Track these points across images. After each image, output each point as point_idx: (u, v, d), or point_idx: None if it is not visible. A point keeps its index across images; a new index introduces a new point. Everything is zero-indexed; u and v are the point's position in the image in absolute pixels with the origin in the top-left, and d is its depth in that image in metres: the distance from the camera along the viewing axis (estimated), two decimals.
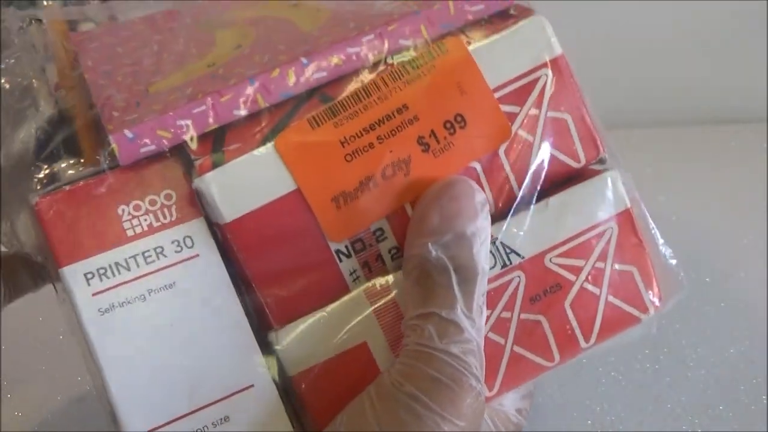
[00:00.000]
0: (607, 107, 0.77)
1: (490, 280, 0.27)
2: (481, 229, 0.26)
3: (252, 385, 0.25)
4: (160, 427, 0.24)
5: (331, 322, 0.26)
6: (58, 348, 0.45)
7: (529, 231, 0.27)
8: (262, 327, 0.27)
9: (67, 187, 0.25)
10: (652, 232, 0.30)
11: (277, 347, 0.26)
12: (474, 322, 0.26)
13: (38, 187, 0.25)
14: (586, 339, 0.28)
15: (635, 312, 0.29)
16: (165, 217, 0.25)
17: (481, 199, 0.26)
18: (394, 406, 0.24)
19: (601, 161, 0.29)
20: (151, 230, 0.25)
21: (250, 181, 0.25)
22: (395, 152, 0.26)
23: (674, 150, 0.65)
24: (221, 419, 0.25)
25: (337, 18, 0.28)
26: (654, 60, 0.69)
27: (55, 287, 0.26)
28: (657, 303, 0.29)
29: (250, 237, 0.25)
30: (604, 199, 0.28)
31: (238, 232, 0.25)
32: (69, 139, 0.26)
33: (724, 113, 0.70)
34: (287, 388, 0.26)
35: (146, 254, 0.25)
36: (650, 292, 0.29)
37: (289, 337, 0.26)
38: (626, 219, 0.29)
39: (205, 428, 0.25)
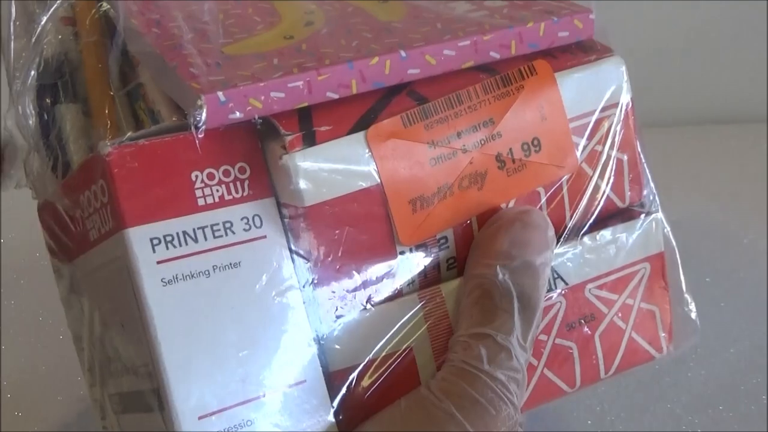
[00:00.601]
0: None
1: None
2: (548, 262, 0.26)
3: (304, 380, 0.24)
4: (210, 414, 0.23)
5: (382, 320, 0.25)
6: (58, 348, 0.45)
7: (577, 260, 0.28)
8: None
9: (143, 141, 0.23)
10: (680, 278, 0.31)
11: (325, 341, 0.25)
12: (526, 353, 0.26)
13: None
14: (607, 370, 0.29)
15: (651, 350, 0.30)
16: (237, 191, 0.24)
17: (552, 234, 0.27)
18: (427, 420, 0.24)
19: (642, 204, 0.31)
20: (222, 202, 0.23)
21: (336, 167, 0.24)
22: (475, 164, 0.26)
23: (675, 150, 0.65)
24: (273, 412, 0.24)
25: (418, 15, 0.28)
26: (654, 60, 0.69)
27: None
28: (671, 345, 0.31)
29: (325, 225, 0.24)
30: (647, 239, 0.30)
31: (315, 218, 0.24)
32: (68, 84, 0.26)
33: (724, 113, 0.70)
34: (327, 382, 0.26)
35: (215, 227, 0.23)
36: (666, 333, 0.30)
37: (337, 332, 0.25)
38: (658, 261, 0.30)
39: (255, 420, 0.23)
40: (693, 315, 0.31)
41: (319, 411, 0.24)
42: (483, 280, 0.26)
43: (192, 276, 0.23)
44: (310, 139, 0.24)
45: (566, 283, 0.28)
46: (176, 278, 0.23)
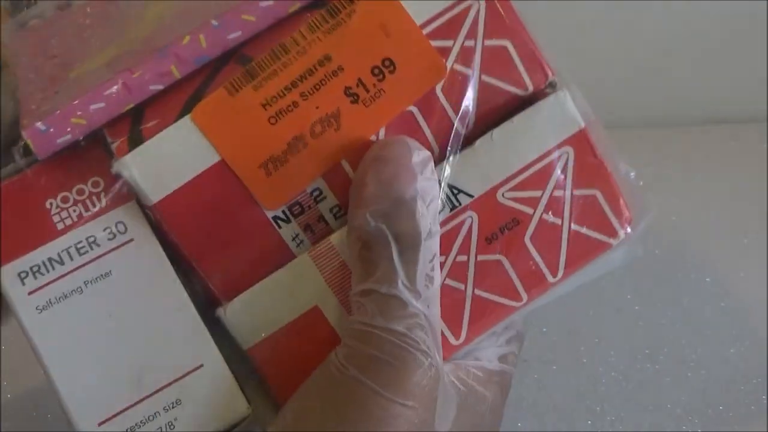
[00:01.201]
0: (607, 107, 0.77)
1: (441, 225, 0.25)
2: (425, 189, 0.24)
3: (201, 365, 0.25)
4: (109, 418, 0.24)
5: (279, 289, 0.25)
6: None
7: (477, 168, 0.26)
8: (212, 305, 0.26)
9: None
10: (614, 153, 0.29)
11: (225, 321, 0.25)
12: (419, 294, 0.24)
13: None
14: (553, 273, 0.27)
15: (603, 237, 0.27)
16: (94, 205, 0.25)
17: (422, 157, 0.24)
18: (339, 393, 0.23)
19: (552, 85, 0.27)
20: (82, 220, 0.24)
21: (172, 157, 0.24)
22: (322, 108, 0.25)
23: (674, 150, 0.65)
24: (173, 403, 0.24)
25: None
26: (654, 60, 0.69)
27: None
28: (628, 226, 0.28)
29: (181, 215, 0.24)
30: (554, 122, 0.26)
31: (167, 212, 0.24)
32: None
33: (724, 113, 0.70)
34: (247, 363, 0.26)
35: (79, 245, 0.24)
36: (618, 214, 0.27)
37: (236, 309, 0.25)
38: (582, 140, 0.27)
39: (157, 414, 0.24)
40: (640, 185, 0.29)
41: (224, 391, 0.25)
42: (359, 232, 0.24)
43: (65, 296, 0.24)
44: (137, 139, 0.24)
45: (471, 196, 0.26)
46: (50, 303, 0.24)
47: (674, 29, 0.68)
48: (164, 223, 0.24)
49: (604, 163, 0.27)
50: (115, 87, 0.24)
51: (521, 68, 0.26)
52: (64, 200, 0.24)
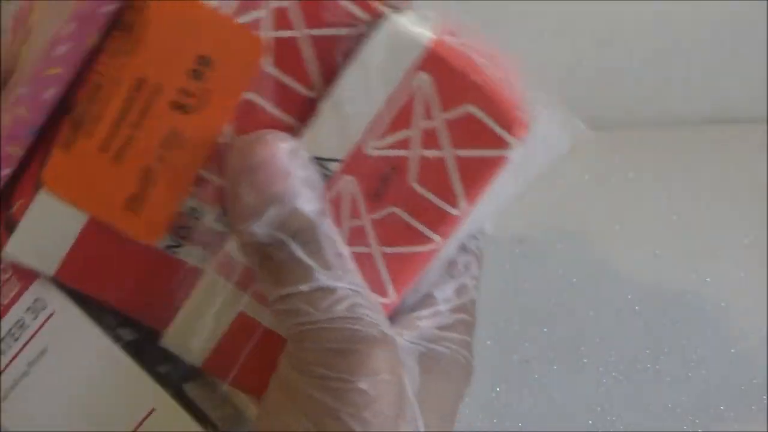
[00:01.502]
0: (607, 107, 0.77)
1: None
2: (301, 178, 0.23)
3: (153, 409, 0.25)
4: None
5: (202, 305, 0.25)
6: None
7: (332, 130, 0.24)
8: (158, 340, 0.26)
9: None
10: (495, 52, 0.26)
11: (171, 348, 0.25)
12: (337, 272, 0.23)
13: None
14: (454, 205, 0.24)
15: (495, 152, 0.24)
16: (11, 291, 0.25)
17: (288, 148, 0.23)
18: (313, 399, 0.23)
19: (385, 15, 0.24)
20: (4, 310, 0.25)
21: (48, 229, 0.24)
22: (156, 131, 0.23)
23: (674, 150, 0.65)
24: None
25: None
26: (654, 60, 0.69)
27: None
28: (522, 127, 0.25)
29: (85, 275, 0.24)
30: (393, 53, 0.23)
31: (70, 279, 0.24)
32: None
33: (724, 113, 0.70)
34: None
35: (12, 332, 0.25)
36: (503, 121, 0.24)
37: (172, 336, 0.25)
38: (433, 59, 0.24)
39: None
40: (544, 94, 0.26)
41: (181, 425, 0.25)
42: (252, 246, 0.23)
43: (16, 383, 0.24)
44: (11, 224, 0.24)
45: (339, 161, 0.24)
46: (8, 391, 0.24)
47: (674, 29, 0.68)
48: (73, 286, 0.24)
49: (468, 74, 0.24)
50: None
51: (346, 4, 0.23)
52: None
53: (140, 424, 0.25)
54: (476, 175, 0.25)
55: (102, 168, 0.23)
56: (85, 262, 0.24)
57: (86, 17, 0.22)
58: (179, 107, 0.23)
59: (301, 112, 0.24)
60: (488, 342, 0.46)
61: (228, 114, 0.23)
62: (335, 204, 0.24)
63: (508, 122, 0.24)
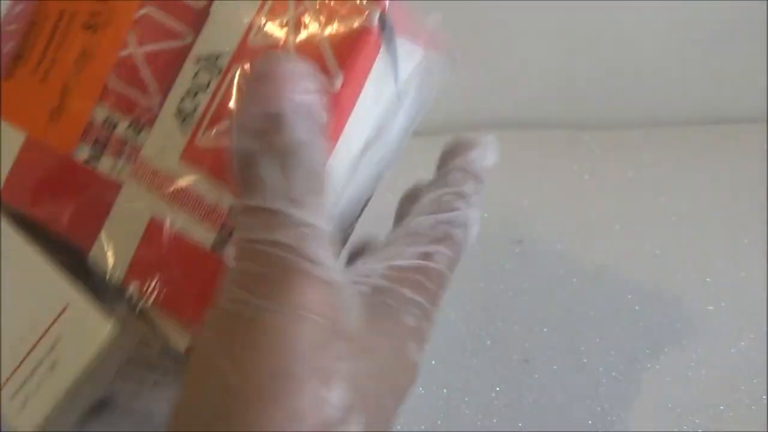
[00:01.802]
0: (608, 107, 0.77)
1: (217, 90, 0.26)
2: (301, 102, 0.23)
3: (66, 305, 0.26)
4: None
5: (122, 216, 0.27)
6: None
7: (220, 26, 0.26)
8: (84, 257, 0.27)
9: None
10: None
11: (96, 267, 0.26)
12: (304, 206, 0.23)
13: None
14: (332, 75, 0.26)
15: (358, 22, 0.26)
16: None
17: (295, 70, 0.24)
18: (229, 322, 0.22)
19: None
20: None
21: None
22: (72, 50, 0.27)
23: (674, 150, 0.65)
24: (50, 349, 0.26)
25: None
26: (654, 60, 0.69)
27: None
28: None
29: (22, 195, 0.27)
30: None
31: (11, 197, 0.27)
32: None
33: (724, 113, 0.70)
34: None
35: None
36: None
37: (98, 251, 0.27)
38: None
39: (40, 363, 0.26)
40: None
41: (91, 319, 0.26)
42: (237, 153, 0.23)
43: None
44: None
45: (228, 52, 0.26)
46: None
47: (674, 29, 0.68)
48: (10, 206, 0.27)
49: None
50: None
51: None
52: None
53: (54, 321, 0.26)
54: (348, 48, 0.26)
55: (33, 88, 0.27)
56: (22, 182, 0.27)
57: None
58: (90, 27, 0.27)
59: (193, 22, 0.27)
60: (488, 342, 0.46)
61: (128, 26, 0.27)
62: (227, 93, 0.26)
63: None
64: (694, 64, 0.69)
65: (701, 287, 0.50)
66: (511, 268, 0.51)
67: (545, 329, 0.47)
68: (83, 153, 0.27)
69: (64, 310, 0.26)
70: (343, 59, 0.26)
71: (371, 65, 0.26)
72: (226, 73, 0.26)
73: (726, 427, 0.40)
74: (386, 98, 0.28)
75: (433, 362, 0.44)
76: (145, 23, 0.27)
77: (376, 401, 0.24)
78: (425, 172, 0.31)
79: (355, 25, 0.26)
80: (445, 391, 0.43)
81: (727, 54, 0.69)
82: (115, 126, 0.27)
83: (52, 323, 0.26)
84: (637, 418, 0.41)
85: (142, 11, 0.27)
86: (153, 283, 0.26)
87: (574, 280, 0.50)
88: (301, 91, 0.24)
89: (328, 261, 0.23)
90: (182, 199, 0.26)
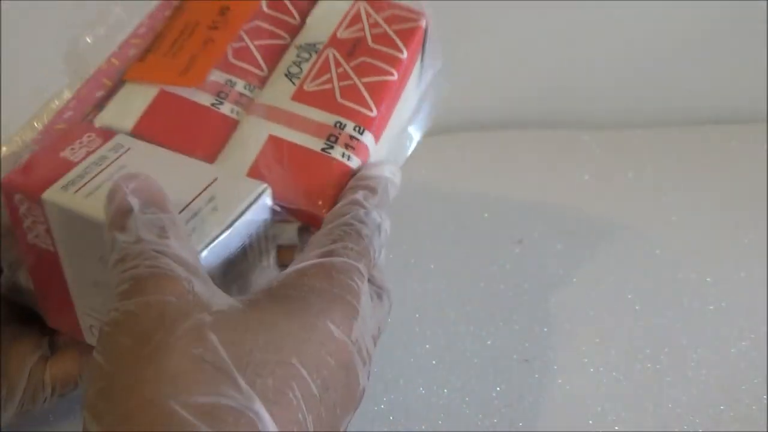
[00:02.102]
0: (608, 107, 0.77)
1: (312, 69, 0.37)
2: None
3: (216, 177, 0.32)
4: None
5: (243, 136, 0.35)
6: None
7: (319, 22, 0.39)
8: None
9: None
10: None
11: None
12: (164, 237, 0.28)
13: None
14: (400, 50, 0.38)
15: (413, 24, 0.39)
16: (93, 144, 0.33)
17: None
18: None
19: None
20: (90, 153, 0.33)
21: (126, 104, 0.35)
22: (198, 39, 0.37)
23: (674, 150, 0.65)
24: (208, 200, 0.31)
25: None
26: (654, 60, 0.69)
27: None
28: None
29: (153, 129, 0.34)
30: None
31: (144, 130, 0.34)
32: None
33: (724, 113, 0.70)
34: None
35: (97, 162, 0.32)
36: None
37: (219, 160, 0.35)
38: None
39: (200, 209, 0.31)
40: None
41: (243, 181, 0.33)
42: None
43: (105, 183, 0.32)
44: (102, 106, 0.36)
45: (323, 42, 0.38)
46: (94, 189, 0.32)
47: (674, 29, 0.68)
48: (146, 137, 0.34)
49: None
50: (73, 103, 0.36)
51: None
52: (76, 146, 0.33)
53: (208, 185, 0.32)
54: (407, 33, 0.39)
55: (164, 62, 0.36)
56: (153, 120, 0.34)
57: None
58: (212, 27, 0.37)
59: (290, 31, 0.38)
60: (488, 342, 0.46)
61: (242, 27, 0.37)
62: (324, 66, 0.37)
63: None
64: (694, 64, 0.69)
65: (701, 287, 0.50)
66: (511, 268, 0.51)
67: (545, 329, 0.47)
68: (207, 99, 0.35)
69: (214, 180, 0.32)
70: (406, 43, 0.38)
71: (417, 56, 0.39)
72: (320, 53, 0.38)
73: (726, 427, 0.40)
74: (416, 85, 0.40)
75: (434, 362, 0.44)
76: (255, 29, 0.38)
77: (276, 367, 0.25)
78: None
79: (413, 25, 0.39)
80: (445, 391, 0.43)
81: (727, 54, 0.69)
82: (234, 85, 0.36)
83: (206, 187, 0.32)
84: (637, 418, 0.41)
85: (253, 23, 0.38)
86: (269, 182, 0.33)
87: (574, 280, 0.50)
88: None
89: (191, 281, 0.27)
90: (295, 122, 0.35)
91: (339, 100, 0.36)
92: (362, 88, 0.36)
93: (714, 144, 0.65)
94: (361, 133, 0.35)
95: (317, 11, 0.39)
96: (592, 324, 0.47)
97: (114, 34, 0.37)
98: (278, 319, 0.27)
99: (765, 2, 0.66)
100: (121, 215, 0.28)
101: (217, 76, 0.36)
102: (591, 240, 0.54)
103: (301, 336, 0.26)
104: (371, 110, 0.36)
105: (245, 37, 0.37)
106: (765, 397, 0.42)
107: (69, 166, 0.32)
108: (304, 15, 0.39)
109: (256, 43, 0.37)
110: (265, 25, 0.38)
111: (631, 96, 0.71)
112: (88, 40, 0.37)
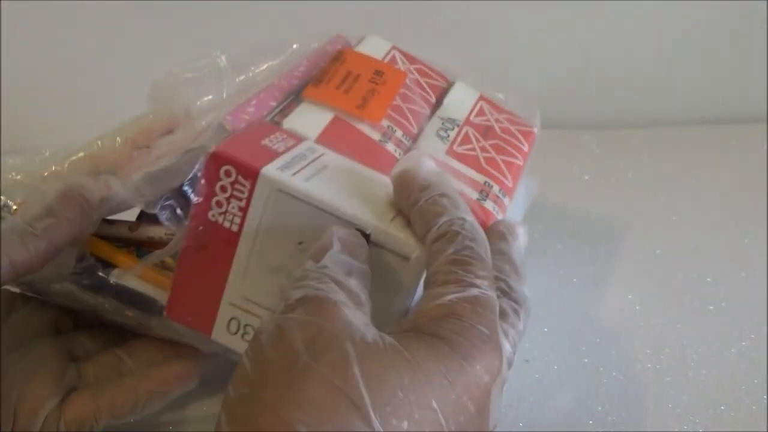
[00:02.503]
0: (608, 107, 0.77)
1: (453, 143, 0.42)
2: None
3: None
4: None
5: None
6: None
7: (453, 108, 0.44)
8: None
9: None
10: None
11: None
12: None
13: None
14: (527, 132, 0.45)
15: (527, 123, 0.46)
16: (288, 142, 0.36)
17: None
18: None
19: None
20: (290, 148, 0.36)
21: (309, 117, 0.39)
22: (363, 87, 0.41)
23: (674, 150, 0.65)
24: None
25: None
26: (654, 60, 0.69)
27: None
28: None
29: (333, 141, 0.38)
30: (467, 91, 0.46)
31: (326, 141, 0.38)
32: None
33: (724, 113, 0.70)
34: None
35: (302, 154, 0.35)
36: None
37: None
38: (483, 99, 0.46)
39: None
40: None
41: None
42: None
43: (311, 177, 0.34)
44: (287, 114, 0.40)
45: (459, 120, 0.43)
46: (309, 178, 0.34)
47: (674, 29, 0.68)
48: (329, 146, 0.37)
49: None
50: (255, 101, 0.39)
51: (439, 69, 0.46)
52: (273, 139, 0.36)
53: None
54: (526, 135, 0.45)
55: (339, 95, 0.40)
56: (332, 136, 0.38)
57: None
58: (372, 81, 0.42)
59: (427, 104, 0.43)
60: None
61: (396, 92, 0.42)
62: (465, 137, 0.42)
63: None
64: (694, 64, 0.69)
65: (701, 287, 0.50)
66: None
67: (545, 329, 0.47)
68: (375, 135, 0.39)
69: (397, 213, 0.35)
70: (525, 139, 0.44)
71: (529, 155, 0.44)
72: (461, 127, 0.43)
73: (726, 427, 0.40)
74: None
75: None
76: (403, 95, 0.42)
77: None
78: None
79: (528, 129, 0.45)
80: None
81: (727, 54, 0.69)
82: (394, 131, 0.40)
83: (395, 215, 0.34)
84: (637, 418, 0.41)
85: (401, 91, 0.42)
86: None
87: (575, 280, 0.50)
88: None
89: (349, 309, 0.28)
90: (452, 172, 0.39)
91: (484, 165, 0.41)
92: (500, 162, 0.42)
93: (714, 144, 0.65)
94: (503, 197, 0.40)
95: (452, 95, 0.45)
96: (592, 324, 0.47)
97: (206, 79, 0.40)
98: (425, 359, 0.26)
99: (765, 2, 0.66)
100: (321, 251, 0.30)
101: (383, 122, 0.40)
102: (591, 240, 0.54)
103: (446, 380, 0.26)
104: (508, 181, 0.41)
105: (398, 98, 0.42)
106: (765, 397, 0.42)
107: (273, 154, 0.35)
108: (437, 95, 0.44)
109: (406, 105, 0.42)
110: (411, 95, 0.43)
111: (631, 96, 0.71)
112: (178, 78, 0.39)
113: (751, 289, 0.49)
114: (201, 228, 0.35)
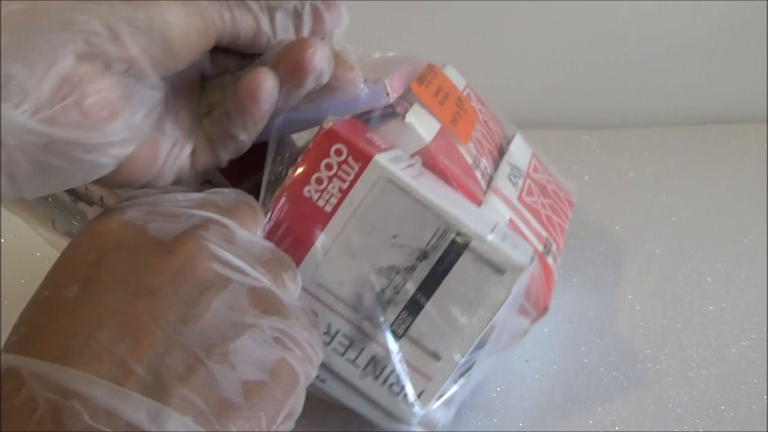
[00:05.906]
0: (608, 107, 0.77)
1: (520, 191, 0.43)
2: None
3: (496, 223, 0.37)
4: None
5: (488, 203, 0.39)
6: None
7: (514, 159, 0.45)
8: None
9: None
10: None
11: None
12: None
13: None
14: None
15: (565, 190, 0.48)
16: (384, 145, 0.36)
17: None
18: None
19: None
20: (387, 148, 0.35)
21: (426, 119, 0.38)
22: (450, 108, 0.41)
23: (674, 150, 0.65)
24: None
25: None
26: (655, 60, 0.69)
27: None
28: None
29: (438, 152, 0.37)
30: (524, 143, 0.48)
31: (435, 151, 0.37)
32: None
33: (724, 113, 0.70)
34: None
35: (399, 157, 0.35)
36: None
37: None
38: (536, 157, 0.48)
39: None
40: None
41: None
42: None
43: (420, 174, 0.35)
44: (394, 115, 0.39)
45: (522, 171, 0.45)
46: (415, 176, 0.34)
47: (674, 29, 0.68)
48: (436, 159, 0.37)
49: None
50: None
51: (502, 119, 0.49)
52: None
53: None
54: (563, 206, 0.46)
55: (435, 102, 0.40)
56: (439, 145, 0.38)
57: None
58: (458, 105, 0.42)
59: (495, 146, 0.44)
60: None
61: (474, 123, 0.42)
62: (530, 189, 0.43)
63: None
64: (694, 64, 0.69)
65: (701, 287, 0.50)
66: None
67: (545, 329, 0.47)
68: (469, 158, 0.39)
69: (496, 225, 0.35)
70: (569, 206, 0.47)
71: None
72: (525, 178, 0.43)
73: (726, 427, 0.40)
74: None
75: None
76: (480, 130, 0.43)
77: None
78: None
79: (569, 197, 0.47)
80: None
81: (727, 54, 0.69)
82: (479, 161, 0.40)
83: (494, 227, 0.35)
84: (637, 418, 0.41)
85: (476, 127, 0.43)
86: None
87: (575, 280, 0.50)
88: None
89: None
90: (523, 219, 0.40)
91: (545, 222, 0.42)
92: (555, 223, 0.43)
93: (714, 144, 0.65)
94: (558, 257, 0.42)
95: (515, 142, 0.46)
96: (592, 324, 0.47)
97: None
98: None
99: (765, 2, 0.66)
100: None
101: (470, 147, 0.40)
102: (591, 240, 0.54)
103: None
104: (561, 242, 0.42)
105: (473, 134, 0.42)
106: (765, 397, 0.42)
107: (378, 148, 0.34)
108: (501, 140, 0.45)
109: (482, 143, 0.42)
110: (484, 132, 0.43)
111: (631, 96, 0.71)
112: None
113: (751, 289, 0.49)
114: (289, 202, 0.33)
